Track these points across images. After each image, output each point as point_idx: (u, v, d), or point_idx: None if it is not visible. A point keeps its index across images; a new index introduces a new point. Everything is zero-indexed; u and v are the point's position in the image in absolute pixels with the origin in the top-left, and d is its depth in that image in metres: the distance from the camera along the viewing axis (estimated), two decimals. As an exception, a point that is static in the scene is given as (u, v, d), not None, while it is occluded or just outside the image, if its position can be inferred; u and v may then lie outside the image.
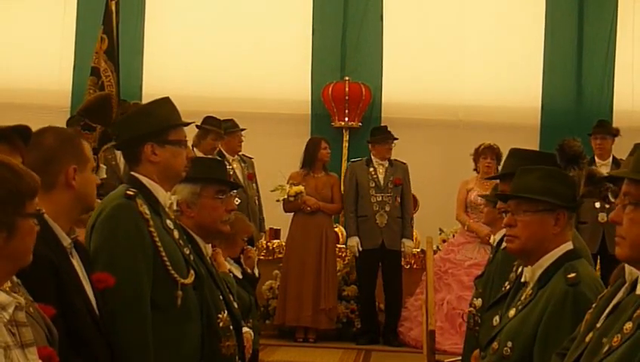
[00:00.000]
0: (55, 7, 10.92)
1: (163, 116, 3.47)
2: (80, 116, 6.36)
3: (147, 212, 3.32)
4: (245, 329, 4.44)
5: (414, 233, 9.38)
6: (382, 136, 9.16)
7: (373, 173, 9.11)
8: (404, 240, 9.07)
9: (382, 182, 9.09)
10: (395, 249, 9.03)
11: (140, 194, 3.36)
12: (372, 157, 9.20)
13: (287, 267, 9.01)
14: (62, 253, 2.82)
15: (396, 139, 9.16)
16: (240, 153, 8.90)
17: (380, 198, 9.05)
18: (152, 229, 3.31)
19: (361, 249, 9.04)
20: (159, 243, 3.31)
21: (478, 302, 4.58)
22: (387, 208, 9.03)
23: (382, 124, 9.89)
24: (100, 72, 7.69)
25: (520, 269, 3.82)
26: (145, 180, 3.43)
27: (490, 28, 10.89)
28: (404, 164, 9.24)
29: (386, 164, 9.16)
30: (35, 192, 2.29)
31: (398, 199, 9.10)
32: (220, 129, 8.51)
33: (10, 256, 2.24)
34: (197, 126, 8.10)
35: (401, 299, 9.11)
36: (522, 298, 3.32)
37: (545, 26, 10.73)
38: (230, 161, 8.81)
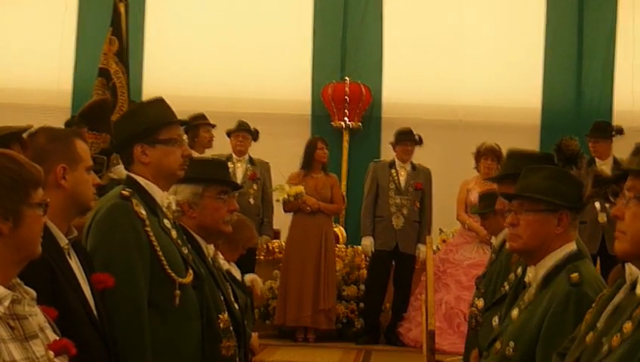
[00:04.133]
0: (55, 7, 10.88)
1: (151, 116, 3.45)
2: (80, 120, 6.34)
3: (143, 212, 3.32)
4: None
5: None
6: (400, 138, 9.15)
7: (394, 174, 9.09)
8: (419, 245, 9.03)
9: (402, 184, 9.07)
10: (409, 253, 9.01)
11: (135, 194, 3.35)
12: (395, 159, 9.18)
13: (286, 267, 8.99)
14: (58, 253, 2.80)
15: (414, 141, 9.11)
16: (246, 154, 8.94)
17: (399, 200, 9.03)
18: (148, 229, 3.30)
19: (374, 250, 9.02)
20: (156, 243, 3.30)
21: (480, 302, 4.60)
22: (405, 211, 9.02)
23: (382, 124, 9.88)
24: (110, 74, 7.66)
25: (519, 270, 3.91)
26: (141, 180, 3.42)
27: (490, 28, 10.87)
28: (427, 169, 9.22)
29: (409, 167, 9.14)
30: (39, 182, 2.30)
31: (418, 203, 9.08)
32: (206, 120, 8.51)
33: (18, 246, 2.25)
34: (185, 131, 8.08)
35: (408, 302, 9.11)
36: (525, 298, 3.31)
37: (545, 27, 10.72)
38: (235, 161, 8.82)
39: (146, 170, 3.43)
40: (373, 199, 9.09)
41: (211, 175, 3.83)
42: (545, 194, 3.28)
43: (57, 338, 2.35)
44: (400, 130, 9.29)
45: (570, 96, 10.71)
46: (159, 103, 3.51)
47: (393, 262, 9.08)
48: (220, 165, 4.08)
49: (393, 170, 9.11)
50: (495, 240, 5.00)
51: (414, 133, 9.16)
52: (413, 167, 9.17)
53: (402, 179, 9.09)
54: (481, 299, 4.61)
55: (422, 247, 9.00)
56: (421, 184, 9.11)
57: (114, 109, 6.84)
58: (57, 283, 2.72)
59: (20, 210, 2.23)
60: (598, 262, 8.18)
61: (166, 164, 3.43)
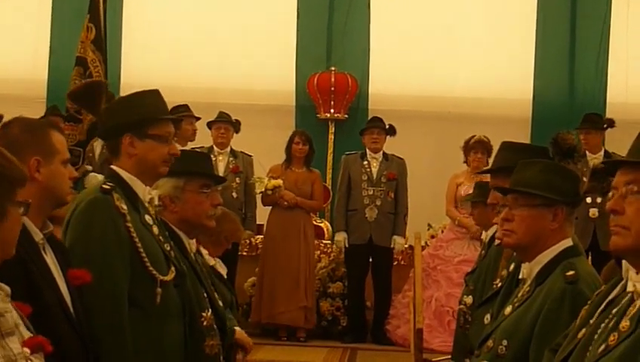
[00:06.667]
0: (29, -6, 10.80)
1: (146, 108, 3.41)
2: (69, 100, 6.22)
3: (124, 207, 3.26)
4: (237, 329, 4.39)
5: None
6: (367, 126, 9.09)
7: (366, 166, 9.00)
8: (395, 236, 8.93)
9: (375, 175, 8.96)
10: (384, 245, 8.89)
11: (117, 188, 3.30)
12: (367, 150, 9.08)
13: (263, 263, 8.88)
14: (33, 248, 2.74)
15: (382, 128, 8.97)
16: (228, 147, 8.82)
17: (372, 192, 8.93)
18: (128, 225, 3.24)
19: (347, 245, 8.93)
20: (136, 239, 3.25)
21: (469, 299, 4.59)
22: (378, 202, 8.91)
23: (369, 116, 9.78)
24: (87, 63, 7.56)
25: (512, 266, 3.83)
26: (124, 174, 3.36)
27: (481, 18, 10.77)
28: (401, 159, 9.11)
29: (380, 157, 9.03)
30: (25, 181, 2.29)
31: (392, 194, 8.96)
32: (190, 111, 8.39)
33: None
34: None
35: (390, 297, 9.00)
36: (519, 295, 3.27)
37: (537, 17, 10.61)
38: (216, 153, 8.69)
39: (130, 162, 3.37)
40: (345, 193, 9.02)
41: (193, 168, 3.78)
42: (540, 188, 3.24)
43: (30, 334, 2.31)
44: (370, 118, 9.26)
45: (562, 88, 10.62)
46: (154, 96, 3.47)
47: (370, 259, 8.98)
48: (202, 158, 4.06)
49: (365, 162, 9.03)
50: (485, 235, 4.92)
51: (383, 121, 9.05)
52: (386, 157, 9.07)
53: (374, 170, 9.00)
54: (470, 296, 4.59)
55: (397, 239, 8.95)
56: (394, 174, 9.01)
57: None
58: (32, 279, 2.67)
59: (5, 208, 2.21)
60: (590, 258, 8.09)
61: (150, 160, 3.38)
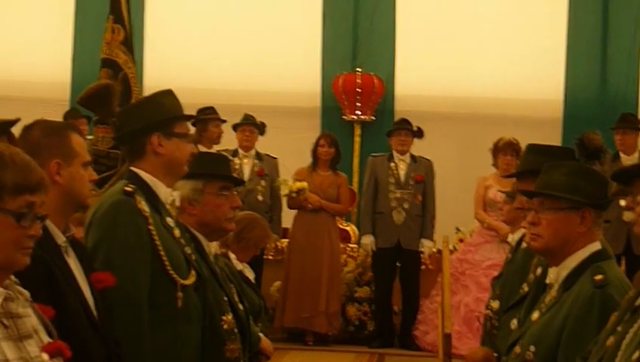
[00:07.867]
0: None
1: (169, 106, 3.40)
2: (80, 105, 6.18)
3: (146, 209, 3.23)
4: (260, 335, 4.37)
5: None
6: (395, 128, 8.99)
7: (393, 168, 8.91)
8: (423, 240, 8.83)
9: (402, 178, 8.87)
10: (412, 249, 8.79)
11: (138, 190, 3.27)
12: (394, 152, 8.99)
13: (288, 266, 8.83)
14: (56, 251, 2.74)
15: (409, 130, 8.88)
16: (253, 149, 8.80)
17: (399, 195, 8.84)
18: (151, 228, 3.21)
19: (375, 248, 8.83)
20: (158, 242, 3.22)
21: (496, 304, 4.48)
22: (406, 205, 8.82)
23: (395, 118, 9.71)
24: (119, 64, 7.52)
25: (539, 270, 3.78)
26: (145, 176, 3.33)
27: (509, 14, 10.62)
28: (429, 161, 9.01)
29: (408, 159, 8.94)
30: (21, 188, 2.23)
31: (419, 197, 8.87)
32: (216, 114, 8.35)
33: None
34: (193, 123, 7.94)
35: (418, 302, 8.91)
36: (546, 300, 3.23)
37: (568, 13, 10.45)
38: (241, 156, 8.66)
39: (158, 162, 3.35)
40: (372, 195, 8.92)
41: (212, 170, 3.77)
42: (566, 191, 3.20)
43: (51, 340, 2.31)
44: (397, 120, 9.18)
45: (594, 87, 10.44)
46: (171, 95, 3.45)
47: (398, 263, 8.89)
48: (221, 160, 4.03)
49: (392, 164, 8.94)
50: (511, 239, 4.85)
51: (411, 123, 8.95)
52: (414, 158, 8.98)
53: (402, 173, 8.91)
54: (497, 300, 4.52)
55: (426, 242, 8.86)
56: (422, 176, 8.91)
57: (129, 99, 6.71)
58: (55, 282, 2.67)
59: None
60: (624, 262, 7.93)
61: (179, 158, 3.37)
